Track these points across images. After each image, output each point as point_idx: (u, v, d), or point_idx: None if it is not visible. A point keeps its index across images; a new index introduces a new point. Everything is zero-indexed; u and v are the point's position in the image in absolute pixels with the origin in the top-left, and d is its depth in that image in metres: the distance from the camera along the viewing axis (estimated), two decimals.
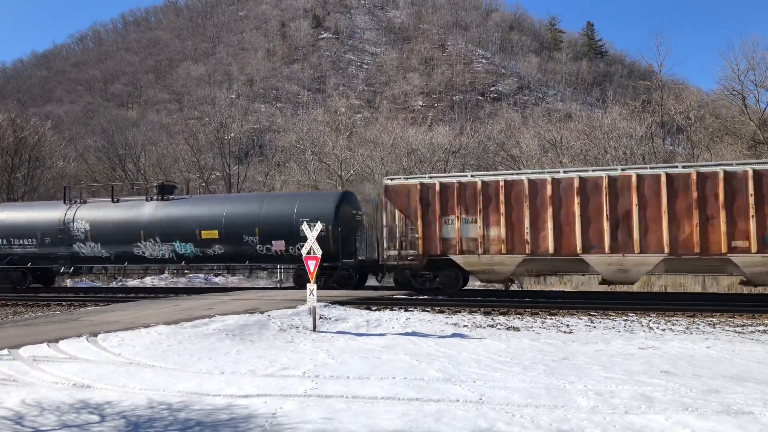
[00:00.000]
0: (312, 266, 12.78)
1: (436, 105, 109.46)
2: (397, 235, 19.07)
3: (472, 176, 18.77)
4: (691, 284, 23.37)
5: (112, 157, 49.35)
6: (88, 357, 9.70)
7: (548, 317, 14.74)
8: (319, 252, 12.93)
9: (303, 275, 20.02)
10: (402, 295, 18.93)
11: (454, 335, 12.05)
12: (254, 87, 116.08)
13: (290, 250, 20.70)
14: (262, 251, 21.17)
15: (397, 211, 19.10)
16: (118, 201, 23.79)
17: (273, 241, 20.94)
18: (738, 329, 12.76)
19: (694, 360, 9.40)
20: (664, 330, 12.78)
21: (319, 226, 13.31)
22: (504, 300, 18.01)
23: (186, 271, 29.54)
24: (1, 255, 24.47)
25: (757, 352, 10.02)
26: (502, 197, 17.98)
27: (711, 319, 14.12)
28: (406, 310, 15.73)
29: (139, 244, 22.40)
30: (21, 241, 24.05)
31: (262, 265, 22.58)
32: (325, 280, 20.01)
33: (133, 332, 11.52)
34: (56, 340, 10.62)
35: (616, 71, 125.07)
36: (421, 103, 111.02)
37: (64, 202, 24.34)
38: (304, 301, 13.30)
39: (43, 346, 10.21)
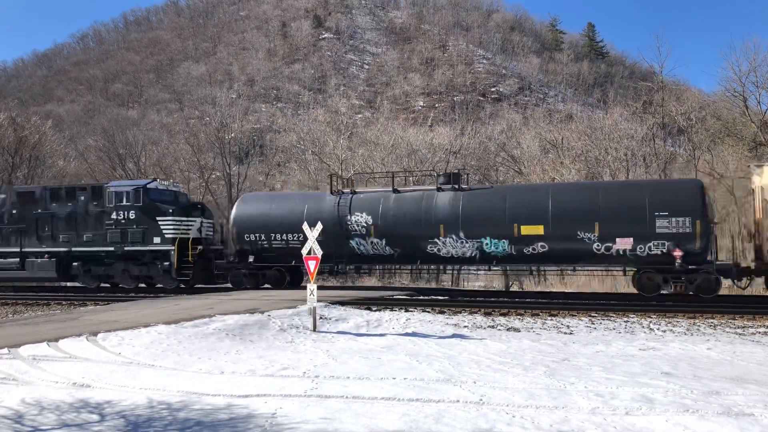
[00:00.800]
0: (312, 266, 12.76)
1: (436, 105, 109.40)
2: None
3: None
4: None
5: (112, 157, 49.30)
6: (88, 356, 9.70)
7: (549, 318, 14.73)
8: (319, 252, 12.90)
9: (653, 279, 17.95)
10: (402, 295, 18.91)
11: (454, 336, 12.04)
12: (255, 87, 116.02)
13: (638, 249, 17.84)
14: (599, 250, 18.13)
15: None
16: (398, 191, 20.80)
17: (617, 239, 17.94)
18: (739, 331, 12.75)
19: (695, 361, 9.39)
20: (664, 331, 12.77)
21: (319, 226, 13.26)
22: (504, 301, 17.99)
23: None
24: (255, 251, 21.42)
25: (757, 354, 10.01)
26: None
27: (712, 320, 14.10)
28: (407, 311, 15.72)
29: (436, 240, 19.32)
30: (283, 237, 20.90)
31: (598, 267, 19.56)
32: (685, 286, 17.78)
33: (133, 332, 11.52)
34: (56, 340, 10.62)
35: (617, 72, 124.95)
36: (421, 103, 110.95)
37: (331, 192, 21.43)
38: (304, 301, 13.30)
39: (42, 346, 10.21)
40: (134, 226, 22.22)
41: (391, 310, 15.87)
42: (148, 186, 22.79)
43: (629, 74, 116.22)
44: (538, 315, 15.17)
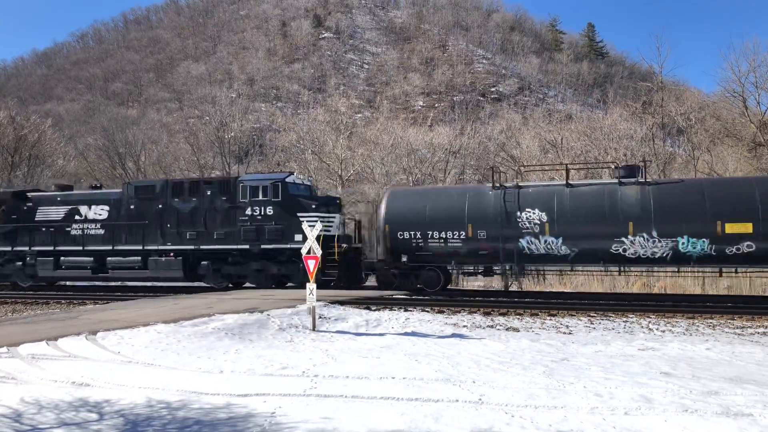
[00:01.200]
0: (312, 266, 12.77)
1: (436, 105, 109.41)
2: None
3: None
4: (691, 286, 23.37)
5: (112, 156, 49.35)
6: (87, 355, 9.70)
7: (548, 318, 14.73)
8: (318, 252, 12.92)
9: None
10: (401, 295, 18.90)
11: (453, 335, 12.04)
12: (255, 86, 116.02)
13: None
14: None
15: None
16: (571, 185, 18.97)
17: None
18: (737, 331, 12.76)
19: (694, 361, 9.39)
20: (663, 331, 12.78)
21: (319, 225, 13.28)
22: (503, 300, 17.98)
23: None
24: (408, 250, 19.62)
25: (756, 354, 10.01)
26: None
27: (710, 320, 14.11)
28: (406, 310, 15.72)
29: (623, 239, 17.70)
30: (441, 235, 19.14)
31: None
32: None
33: (132, 331, 11.52)
34: (55, 338, 10.61)
35: (617, 72, 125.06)
36: (421, 103, 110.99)
37: (492, 186, 19.42)
38: (303, 300, 13.30)
39: (42, 344, 10.20)
40: (272, 223, 20.62)
41: (390, 309, 15.87)
42: (286, 180, 21.15)
43: (629, 74, 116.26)
44: (537, 315, 15.17)
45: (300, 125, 52.95)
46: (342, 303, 16.04)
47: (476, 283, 24.19)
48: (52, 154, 46.62)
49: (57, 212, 23.28)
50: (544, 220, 18.34)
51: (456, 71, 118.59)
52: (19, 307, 18.90)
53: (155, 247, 21.87)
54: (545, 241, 18.40)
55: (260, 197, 20.80)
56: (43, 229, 23.17)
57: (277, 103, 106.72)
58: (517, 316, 15.08)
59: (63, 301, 19.75)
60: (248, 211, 20.88)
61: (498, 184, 19.51)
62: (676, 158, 39.79)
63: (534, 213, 18.48)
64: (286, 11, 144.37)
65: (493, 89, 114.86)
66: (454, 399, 7.08)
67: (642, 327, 13.32)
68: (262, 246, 20.67)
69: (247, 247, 20.88)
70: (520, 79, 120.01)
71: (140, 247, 21.90)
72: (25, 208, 23.73)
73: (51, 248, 22.91)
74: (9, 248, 23.58)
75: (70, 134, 62.25)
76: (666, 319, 14.25)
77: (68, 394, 7.45)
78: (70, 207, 23.15)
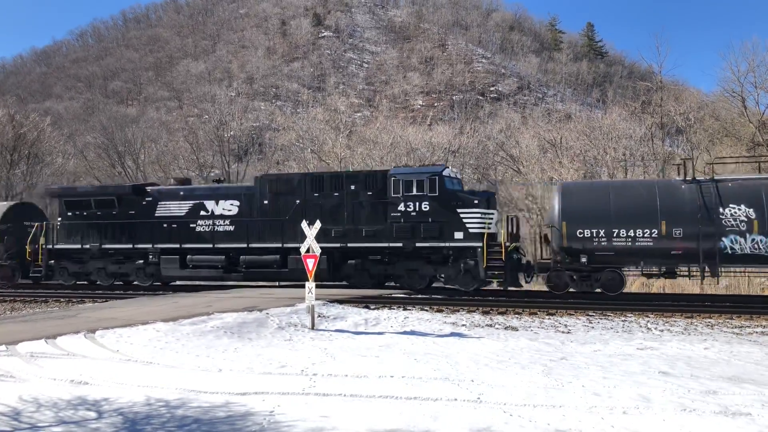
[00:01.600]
0: (311, 264, 12.78)
1: (436, 104, 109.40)
2: None
3: None
4: (690, 285, 23.38)
5: (111, 154, 49.33)
6: (86, 353, 9.70)
7: (546, 317, 14.74)
8: (318, 250, 12.93)
9: None
10: (400, 294, 18.90)
11: (452, 334, 12.05)
12: (254, 85, 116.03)
13: None
14: None
15: None
16: None
17: None
18: (736, 330, 12.77)
19: (692, 361, 9.40)
20: (662, 331, 12.79)
21: (318, 224, 13.30)
22: (502, 300, 17.98)
23: None
24: (588, 250, 18.02)
25: (754, 354, 10.02)
26: None
27: (709, 320, 14.13)
28: (405, 309, 15.73)
29: None
30: (629, 233, 17.56)
31: None
32: None
33: (131, 329, 11.52)
34: (54, 337, 10.62)
35: (616, 72, 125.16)
36: (420, 102, 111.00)
37: (684, 180, 17.90)
38: (303, 299, 13.30)
39: (40, 343, 10.20)
40: (428, 219, 19.19)
41: (390, 308, 15.87)
42: (443, 173, 19.64)
43: (628, 74, 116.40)
44: (536, 314, 15.18)
45: (299, 124, 52.90)
46: (341, 302, 16.05)
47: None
48: (51, 153, 46.59)
49: (179, 207, 21.93)
50: (752, 217, 16.86)
51: (455, 70, 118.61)
52: (18, 305, 18.90)
53: (297, 245, 21.16)
54: (752, 240, 16.91)
55: (414, 192, 19.46)
56: (165, 225, 21.80)
57: (277, 102, 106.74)
58: (516, 315, 15.09)
59: (62, 300, 19.76)
60: (401, 207, 19.52)
61: (692, 177, 17.98)
62: (674, 158, 39.83)
63: (739, 209, 17.06)
64: (285, 10, 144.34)
65: (492, 88, 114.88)
66: (453, 398, 7.09)
67: (640, 326, 13.33)
68: (417, 244, 19.32)
69: (400, 245, 19.44)
70: (520, 79, 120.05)
71: (279, 245, 20.42)
72: (144, 203, 22.40)
73: (177, 246, 21.48)
74: (130, 246, 22.14)
75: (69, 132, 62.17)
76: (664, 319, 14.26)
77: (67, 392, 7.45)
78: (194, 202, 21.85)
